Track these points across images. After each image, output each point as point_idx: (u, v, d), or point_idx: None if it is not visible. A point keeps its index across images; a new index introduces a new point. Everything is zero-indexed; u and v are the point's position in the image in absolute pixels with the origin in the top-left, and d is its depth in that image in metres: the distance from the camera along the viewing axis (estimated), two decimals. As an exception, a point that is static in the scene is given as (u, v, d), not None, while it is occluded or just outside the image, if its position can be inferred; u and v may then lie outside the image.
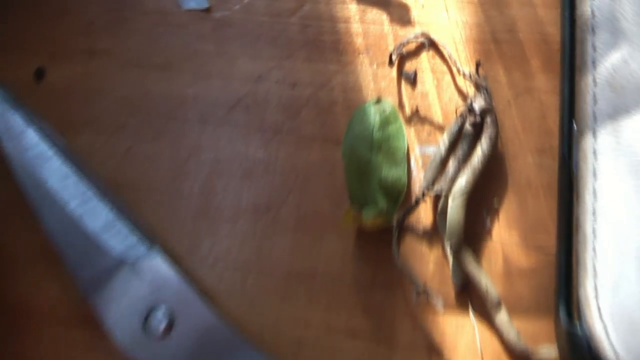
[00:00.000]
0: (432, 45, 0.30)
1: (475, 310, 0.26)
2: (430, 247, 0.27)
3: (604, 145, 0.24)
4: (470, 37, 0.30)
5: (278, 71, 0.30)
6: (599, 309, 0.22)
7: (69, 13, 0.32)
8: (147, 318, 0.26)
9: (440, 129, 0.29)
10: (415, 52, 0.30)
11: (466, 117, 0.27)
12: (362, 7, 0.31)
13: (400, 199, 0.28)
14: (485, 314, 0.26)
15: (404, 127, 0.29)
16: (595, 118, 0.24)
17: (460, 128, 0.28)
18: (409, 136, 0.29)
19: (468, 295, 0.26)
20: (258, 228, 0.28)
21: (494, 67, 0.30)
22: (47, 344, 0.27)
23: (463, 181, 0.26)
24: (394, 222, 0.27)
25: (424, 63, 0.30)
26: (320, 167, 0.29)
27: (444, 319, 0.26)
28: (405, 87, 0.30)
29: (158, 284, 0.26)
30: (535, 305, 0.26)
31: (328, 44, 0.31)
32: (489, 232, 0.27)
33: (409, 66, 0.30)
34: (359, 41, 0.31)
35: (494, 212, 0.27)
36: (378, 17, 0.31)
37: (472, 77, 0.28)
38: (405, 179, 0.28)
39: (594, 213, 0.23)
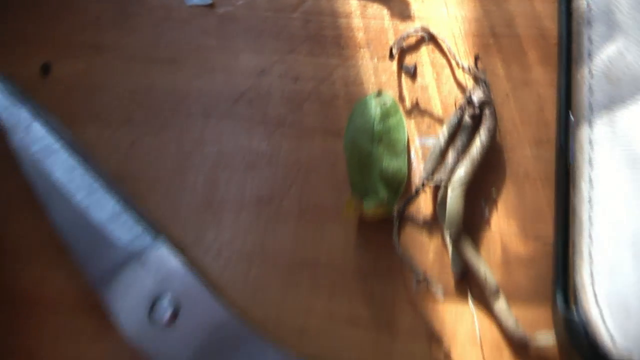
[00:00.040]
0: (432, 39, 0.30)
1: (474, 298, 0.26)
2: (430, 236, 0.27)
3: (600, 135, 0.24)
4: (469, 31, 0.31)
5: (280, 65, 0.30)
6: (595, 294, 0.22)
7: (74, 9, 0.32)
8: (152, 307, 0.25)
9: (440, 121, 0.29)
10: (415, 46, 0.31)
11: (465, 110, 0.28)
12: (362, 2, 0.31)
13: (401, 189, 0.28)
14: (484, 302, 0.26)
15: (404, 119, 0.29)
16: (591, 109, 0.25)
17: (460, 120, 0.28)
18: (409, 128, 0.29)
19: (467, 283, 0.26)
20: (261, 219, 0.28)
21: (492, 60, 0.30)
22: (53, 333, 0.27)
23: (462, 172, 0.26)
24: (395, 212, 0.27)
25: (424, 57, 0.30)
26: (322, 159, 0.29)
27: (444, 307, 0.26)
28: (405, 81, 0.30)
29: (163, 274, 0.26)
30: (533, 293, 0.26)
31: (330, 39, 0.31)
32: (487, 222, 0.27)
33: (409, 60, 0.30)
34: (360, 36, 0.31)
35: (492, 203, 0.28)
36: (379, 12, 0.31)
37: (471, 70, 0.29)
38: (405, 170, 0.28)
39: (590, 201, 0.24)
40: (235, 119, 0.30)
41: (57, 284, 0.27)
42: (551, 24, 0.30)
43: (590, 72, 0.25)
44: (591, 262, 0.23)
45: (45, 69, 0.31)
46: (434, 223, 0.28)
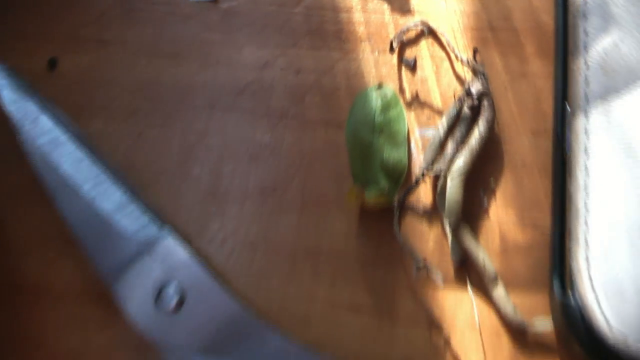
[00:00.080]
0: (431, 33, 0.31)
1: (473, 285, 0.26)
2: (430, 225, 0.28)
3: (596, 124, 0.25)
4: (467, 25, 0.31)
5: (283, 59, 0.31)
6: (590, 279, 0.23)
7: (80, 5, 0.32)
8: (158, 294, 0.25)
9: (439, 112, 0.29)
10: (415, 40, 0.31)
11: (464, 101, 0.28)
12: None
13: (401, 179, 0.28)
14: (483, 289, 0.26)
15: (405, 111, 0.29)
16: (587, 99, 0.25)
17: (459, 111, 0.28)
18: (409, 120, 0.29)
19: (466, 271, 0.27)
20: (265, 209, 0.28)
21: (490, 53, 0.30)
22: (60, 321, 0.27)
23: (461, 162, 0.27)
24: (395, 202, 0.27)
25: (424, 50, 0.31)
26: (324, 150, 0.29)
27: (444, 294, 0.26)
28: (405, 73, 0.30)
29: (169, 262, 0.26)
30: (530, 280, 0.26)
31: (331, 33, 0.31)
32: (486, 211, 0.28)
33: (409, 53, 0.31)
34: (360, 30, 0.31)
35: (491, 192, 0.28)
36: (379, 6, 0.31)
37: (469, 63, 0.29)
38: (405, 160, 0.28)
39: (586, 189, 0.24)
40: (238, 112, 0.30)
41: (65, 273, 0.27)
42: (548, 18, 0.30)
43: (586, 63, 0.26)
44: (587, 248, 0.23)
45: (52, 64, 0.31)
46: (434, 212, 0.28)
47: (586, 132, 0.25)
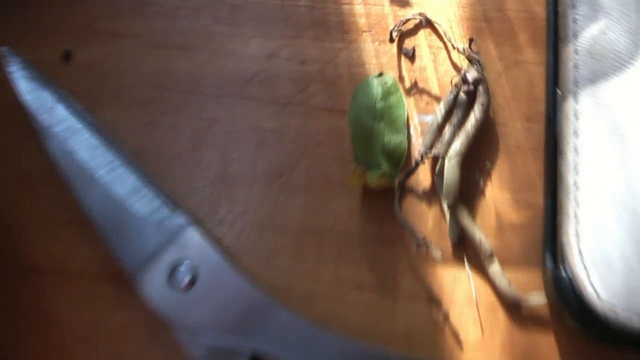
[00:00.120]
0: (429, 23, 0.31)
1: (470, 262, 0.27)
2: (429, 205, 0.28)
3: (584, 106, 0.25)
4: (463, 15, 0.31)
5: (288, 49, 0.31)
6: (580, 252, 0.23)
7: None
8: (172, 273, 0.26)
9: (437, 99, 0.30)
10: (414, 30, 0.31)
11: (460, 87, 0.28)
12: None
13: (402, 162, 0.28)
14: (480, 266, 0.27)
15: (404, 97, 0.30)
16: (576, 83, 0.26)
17: (455, 97, 0.28)
18: (409, 106, 0.30)
19: (464, 248, 0.27)
20: (272, 191, 0.28)
21: (485, 42, 0.30)
22: (76, 301, 0.27)
23: (458, 144, 0.27)
24: (396, 183, 0.27)
25: (422, 40, 0.31)
26: (328, 134, 0.29)
27: (442, 271, 0.27)
28: (404, 62, 0.30)
29: (182, 243, 0.26)
30: (524, 257, 0.27)
31: (334, 24, 0.31)
32: (482, 191, 0.28)
33: (408, 43, 0.31)
34: (362, 21, 0.31)
35: (486, 173, 0.28)
36: None
37: (465, 51, 0.29)
38: (405, 144, 0.28)
39: (575, 168, 0.25)
40: (246, 99, 0.30)
41: (81, 255, 0.28)
42: (540, 8, 0.30)
43: (575, 50, 0.26)
44: (577, 223, 0.24)
45: (67, 56, 0.31)
46: (433, 193, 0.28)
47: (576, 114, 0.25)
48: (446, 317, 0.26)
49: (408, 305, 0.27)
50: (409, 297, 0.27)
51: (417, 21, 0.31)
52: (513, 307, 0.26)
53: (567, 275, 0.24)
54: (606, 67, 0.25)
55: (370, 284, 0.27)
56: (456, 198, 0.27)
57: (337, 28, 0.31)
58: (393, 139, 0.28)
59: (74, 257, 0.28)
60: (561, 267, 0.24)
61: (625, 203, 0.24)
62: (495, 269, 0.26)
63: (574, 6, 0.27)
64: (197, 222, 0.27)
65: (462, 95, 0.28)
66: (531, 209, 0.28)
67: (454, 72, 0.30)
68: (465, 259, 0.27)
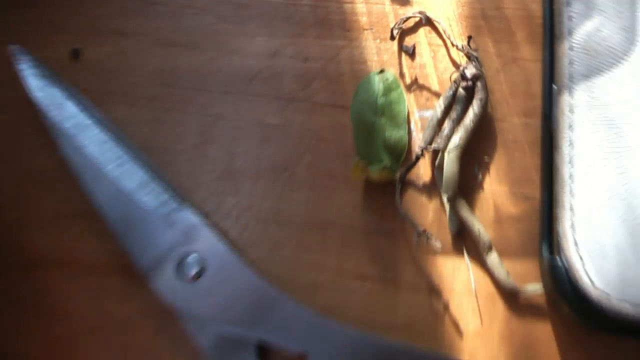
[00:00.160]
0: (429, 21, 0.31)
1: (469, 253, 0.27)
2: (430, 198, 0.28)
3: (579, 101, 0.25)
4: (462, 14, 0.31)
5: (292, 47, 0.31)
6: (575, 243, 0.24)
7: None
8: (180, 265, 0.26)
9: (437, 95, 0.30)
10: (414, 28, 0.31)
11: (459, 83, 0.28)
12: None
13: (402, 156, 0.29)
14: (479, 257, 0.27)
15: (405, 93, 0.30)
16: (571, 78, 0.26)
17: (454, 93, 0.28)
18: (409, 102, 0.30)
19: (463, 240, 0.28)
20: (276, 185, 0.29)
21: (483, 40, 0.30)
22: (86, 293, 0.27)
23: (457, 138, 0.27)
24: (397, 177, 0.28)
25: (422, 38, 0.31)
26: (331, 130, 0.29)
27: (442, 262, 0.27)
28: (405, 59, 0.31)
29: (189, 235, 0.27)
30: (522, 248, 0.27)
31: (336, 22, 0.31)
32: (480, 184, 0.28)
33: (408, 41, 0.31)
34: (363, 19, 0.31)
35: (485, 167, 0.29)
36: None
37: (464, 49, 0.29)
38: (406, 139, 0.29)
39: (570, 160, 0.25)
40: (251, 96, 0.30)
41: (90, 248, 0.28)
42: (536, 6, 0.30)
43: (570, 46, 0.26)
44: (572, 215, 0.24)
45: (75, 54, 0.31)
46: (433, 186, 0.28)
47: (571, 109, 0.25)
48: (446, 307, 0.27)
49: (409, 295, 0.27)
50: (410, 287, 0.27)
51: (417, 19, 0.31)
52: (511, 297, 0.27)
53: (563, 265, 0.24)
54: (600, 62, 0.26)
55: (372, 275, 0.27)
56: (455, 191, 0.27)
57: (339, 26, 0.31)
58: (394, 133, 0.29)
59: (83, 251, 0.28)
60: (557, 257, 0.24)
61: (619, 194, 0.24)
62: (493, 259, 0.27)
63: (569, 4, 0.27)
64: (204, 215, 0.28)
65: (461, 91, 0.28)
66: (528, 202, 0.28)
67: (453, 69, 0.30)
68: (465, 251, 0.28)
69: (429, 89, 0.30)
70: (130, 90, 0.31)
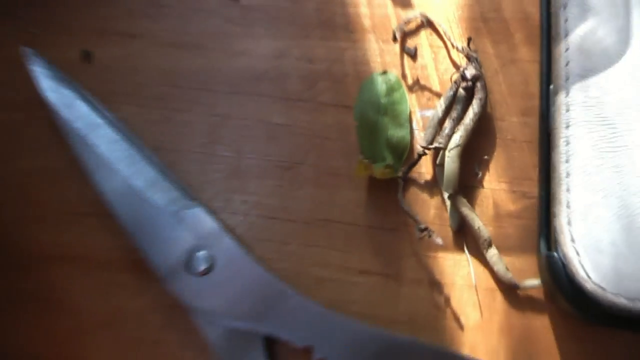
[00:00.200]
0: (430, 24, 0.31)
1: (469, 249, 0.28)
2: (431, 195, 0.29)
3: (575, 100, 0.26)
4: (462, 16, 0.31)
5: (297, 49, 0.31)
6: (571, 236, 0.24)
7: (109, 0, 0.32)
8: (190, 261, 0.26)
9: (438, 95, 0.30)
10: (415, 31, 0.31)
11: (459, 84, 0.28)
12: None
13: (405, 154, 0.29)
14: (479, 252, 0.28)
15: (407, 94, 0.30)
16: (567, 78, 0.26)
17: (455, 93, 0.29)
18: (411, 102, 0.30)
19: (463, 236, 0.28)
20: (283, 183, 0.29)
21: (483, 41, 0.31)
22: (98, 288, 0.28)
23: (457, 137, 0.27)
24: (400, 175, 0.28)
25: (423, 39, 0.31)
26: (335, 129, 0.30)
27: (444, 257, 0.28)
28: (407, 60, 0.31)
29: (199, 231, 0.27)
30: (520, 243, 0.28)
31: (340, 25, 0.31)
32: (480, 182, 0.29)
33: (410, 42, 0.31)
34: (366, 22, 0.31)
35: (484, 165, 0.29)
36: (382, 1, 0.32)
37: (464, 50, 0.29)
38: (408, 138, 0.29)
39: (567, 158, 0.25)
40: (257, 96, 0.30)
41: (102, 244, 0.28)
42: (534, 9, 0.31)
43: (566, 47, 0.26)
44: (569, 210, 0.24)
45: (85, 55, 0.31)
46: (434, 184, 0.29)
47: (567, 108, 0.26)
48: (447, 301, 0.27)
49: (411, 289, 0.28)
50: (412, 282, 0.28)
51: (418, 22, 0.31)
52: (510, 291, 0.27)
53: (560, 260, 0.24)
54: (595, 63, 0.26)
55: (376, 270, 0.28)
56: (456, 188, 0.28)
57: (343, 29, 0.31)
58: (397, 132, 0.29)
59: (94, 247, 0.28)
60: (555, 253, 0.25)
61: (615, 191, 0.24)
62: (493, 255, 0.27)
63: (565, 7, 0.27)
64: (213, 212, 0.28)
65: (461, 91, 0.28)
66: (527, 199, 0.28)
67: (453, 70, 0.30)
68: (465, 246, 0.28)
69: (430, 90, 0.30)
70: (139, 90, 0.31)
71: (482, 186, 0.29)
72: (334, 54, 0.31)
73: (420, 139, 0.29)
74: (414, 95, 0.30)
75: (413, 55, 0.31)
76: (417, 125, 0.30)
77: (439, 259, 0.28)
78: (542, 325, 0.27)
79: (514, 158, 0.29)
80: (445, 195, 0.28)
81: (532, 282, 0.27)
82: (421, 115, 0.30)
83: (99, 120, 0.29)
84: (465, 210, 0.28)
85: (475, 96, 0.28)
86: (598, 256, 0.24)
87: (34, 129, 0.30)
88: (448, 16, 0.31)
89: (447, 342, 0.27)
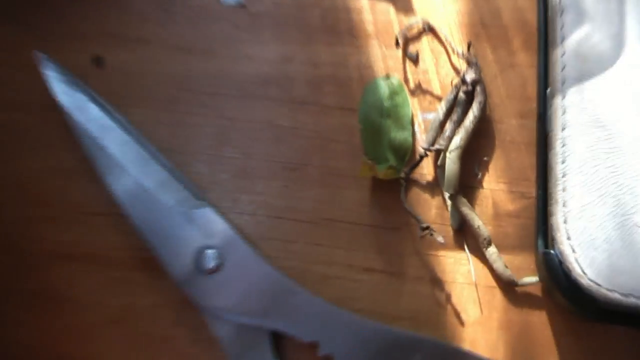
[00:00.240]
0: (431, 30, 0.31)
1: (470, 247, 0.28)
2: (432, 195, 0.29)
3: (571, 103, 0.26)
4: (462, 22, 0.31)
5: (303, 54, 0.31)
6: (568, 235, 0.24)
7: (122, 6, 0.32)
8: (199, 258, 0.27)
9: (439, 98, 0.30)
10: (417, 36, 0.31)
11: (460, 87, 0.29)
12: (372, 0, 0.32)
13: (407, 156, 0.29)
14: (478, 250, 0.28)
15: (409, 97, 0.30)
16: (564, 82, 0.26)
17: (455, 96, 0.29)
18: (413, 105, 0.30)
19: (464, 235, 0.28)
20: (289, 183, 0.29)
21: (482, 47, 0.31)
22: (109, 285, 0.28)
23: (458, 139, 0.28)
24: (402, 176, 0.28)
25: (425, 45, 0.31)
26: (340, 131, 0.30)
27: (445, 255, 0.28)
28: (409, 65, 0.31)
29: (208, 230, 0.27)
30: (519, 242, 0.28)
31: (344, 31, 0.31)
32: (480, 182, 0.29)
33: (412, 48, 0.31)
34: (370, 28, 0.31)
35: (484, 166, 0.29)
36: (385, 8, 0.32)
37: (464, 55, 0.29)
38: (410, 140, 0.29)
39: (563, 158, 0.25)
40: (265, 99, 0.30)
41: (113, 243, 0.28)
42: (531, 15, 0.31)
43: (563, 52, 0.27)
44: (565, 209, 0.25)
45: (97, 60, 0.31)
46: (435, 184, 0.29)
47: (563, 111, 0.26)
48: (448, 298, 0.28)
49: (413, 286, 0.28)
50: (414, 279, 0.28)
51: (420, 28, 0.31)
52: (509, 288, 0.28)
53: (557, 257, 0.25)
54: (591, 67, 0.26)
55: (379, 268, 0.28)
56: (456, 189, 0.28)
57: (348, 34, 0.31)
58: (399, 135, 0.29)
59: (105, 245, 0.29)
60: (552, 250, 0.25)
61: (609, 191, 0.25)
62: (492, 253, 0.28)
63: (561, 13, 0.27)
64: (221, 212, 0.28)
65: (461, 95, 0.29)
66: (525, 199, 0.29)
67: (454, 74, 0.31)
68: (465, 245, 0.28)
69: (431, 93, 0.31)
70: (150, 94, 0.31)
71: (482, 186, 0.29)
72: (339, 58, 0.31)
73: (422, 141, 0.30)
74: (416, 99, 0.31)
75: (415, 60, 0.31)
76: (418, 127, 0.30)
77: (440, 257, 0.28)
78: (540, 320, 0.27)
79: (513, 159, 0.29)
80: (446, 195, 0.28)
81: (530, 279, 0.27)
82: (423, 118, 0.30)
83: (110, 123, 0.29)
84: (466, 209, 0.28)
85: (475, 99, 0.29)
86: (593, 253, 0.24)
87: (47, 130, 0.30)
88: (449, 22, 0.32)
89: (448, 338, 0.27)
